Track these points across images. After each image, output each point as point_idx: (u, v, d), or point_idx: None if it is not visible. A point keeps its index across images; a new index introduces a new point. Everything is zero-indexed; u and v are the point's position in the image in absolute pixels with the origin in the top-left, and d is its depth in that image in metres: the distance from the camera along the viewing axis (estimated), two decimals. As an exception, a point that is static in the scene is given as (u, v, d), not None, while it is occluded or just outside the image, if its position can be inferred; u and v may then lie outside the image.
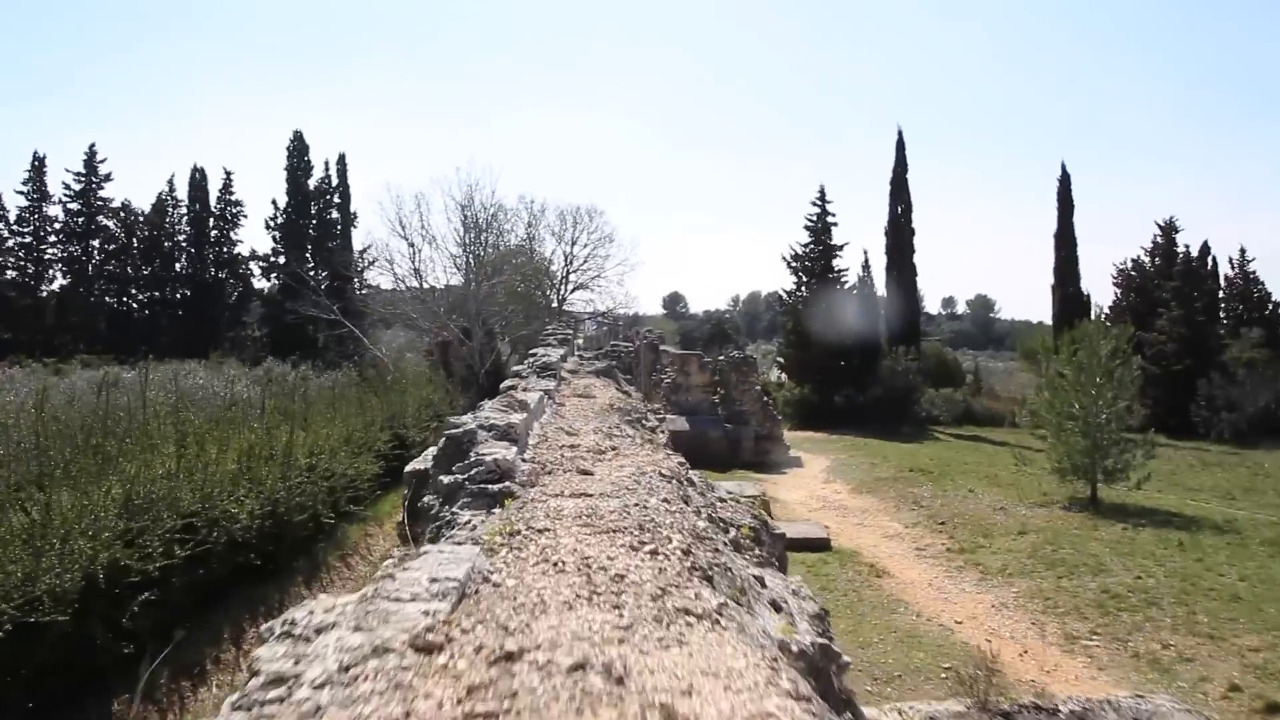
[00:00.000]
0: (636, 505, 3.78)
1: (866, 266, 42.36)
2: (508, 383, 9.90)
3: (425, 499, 4.26)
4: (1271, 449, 33.26)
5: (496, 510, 3.74)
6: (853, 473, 25.71)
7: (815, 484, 24.40)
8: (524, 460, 4.40)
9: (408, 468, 4.16)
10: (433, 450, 4.75)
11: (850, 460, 28.52)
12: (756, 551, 4.72)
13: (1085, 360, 19.83)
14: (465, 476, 4.01)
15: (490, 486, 3.91)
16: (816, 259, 41.72)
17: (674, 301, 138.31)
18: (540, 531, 3.19)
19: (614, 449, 5.18)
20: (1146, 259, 46.60)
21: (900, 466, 26.17)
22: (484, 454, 4.11)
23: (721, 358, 29.96)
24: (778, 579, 4.27)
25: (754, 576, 3.79)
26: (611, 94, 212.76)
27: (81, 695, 7.78)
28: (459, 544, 3.01)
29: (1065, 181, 41.00)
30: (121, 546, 8.47)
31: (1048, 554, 15.14)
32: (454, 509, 3.81)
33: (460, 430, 4.65)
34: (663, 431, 10.13)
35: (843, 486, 23.62)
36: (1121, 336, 19.74)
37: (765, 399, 29.15)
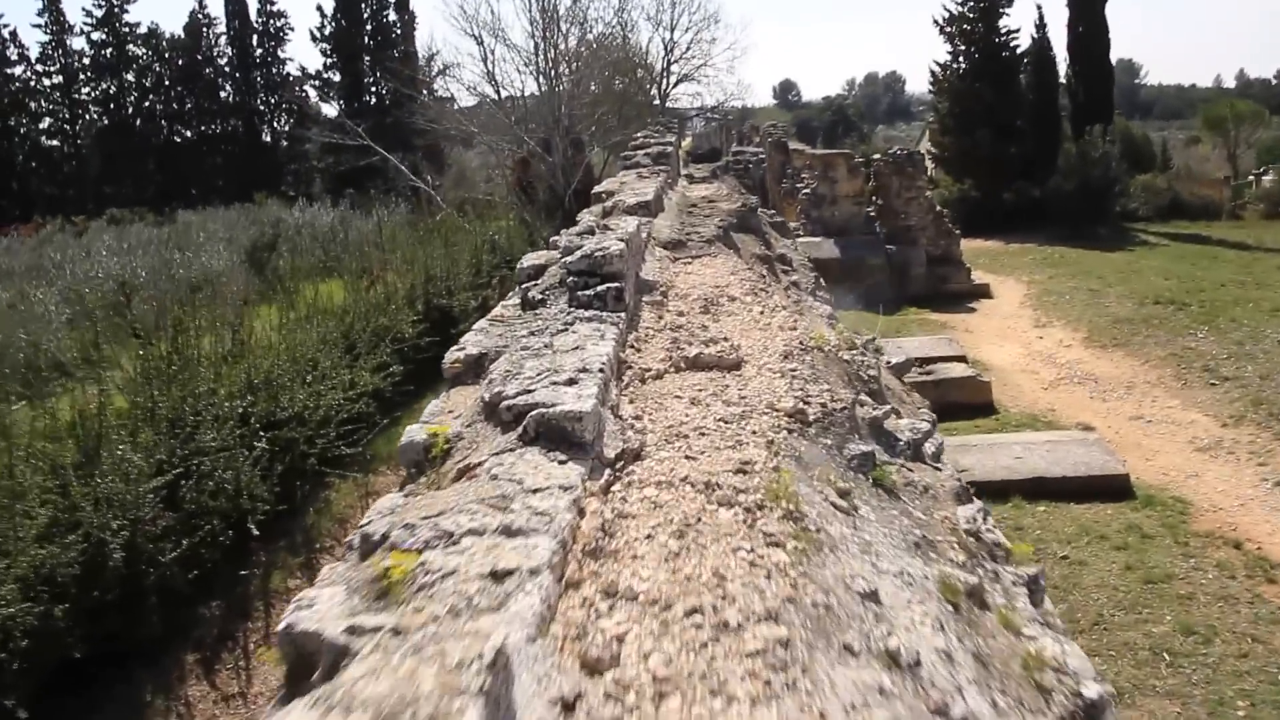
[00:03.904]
0: None
1: (1041, 25, 33.28)
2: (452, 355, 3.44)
3: None
4: None
5: None
6: (1070, 307, 18.64)
7: (1023, 328, 17.49)
8: None
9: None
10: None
11: (1053, 285, 21.28)
12: None
13: None
14: None
15: None
16: (976, 19, 32.90)
17: (785, 90, 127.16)
18: None
19: None
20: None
21: (1136, 294, 18.90)
22: None
23: (878, 157, 22.61)
24: None
25: None
26: None
27: None
28: None
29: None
30: None
31: None
32: None
33: None
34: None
35: (1067, 333, 16.65)
36: None
37: (938, 209, 21.92)
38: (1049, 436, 10.50)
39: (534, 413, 2.36)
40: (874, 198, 21.83)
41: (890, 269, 20.59)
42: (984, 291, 20.93)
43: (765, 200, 15.95)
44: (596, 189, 7.32)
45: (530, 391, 2.50)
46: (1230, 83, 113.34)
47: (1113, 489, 9.26)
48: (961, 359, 14.19)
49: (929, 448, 3.44)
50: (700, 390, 2.97)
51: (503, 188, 32.42)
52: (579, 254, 3.69)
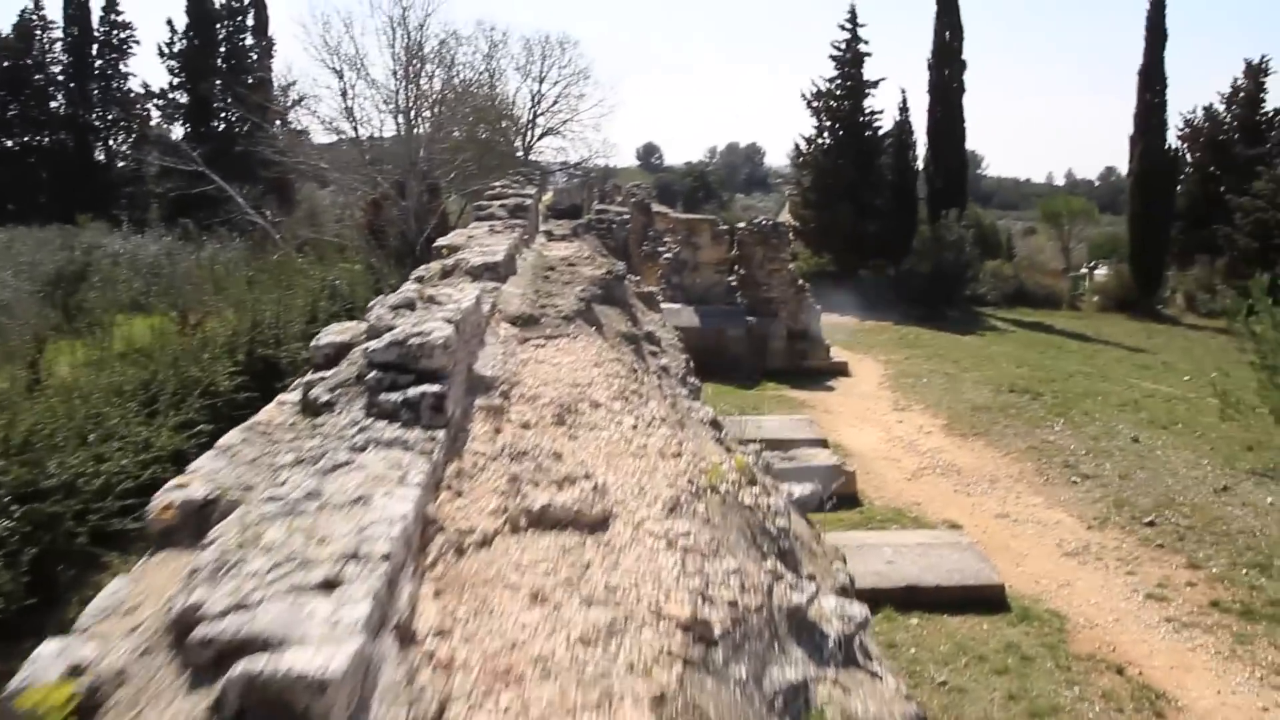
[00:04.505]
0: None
1: (904, 109, 34.10)
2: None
3: None
4: None
5: None
6: (929, 391, 18.43)
7: (883, 411, 17.09)
8: None
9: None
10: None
11: (910, 366, 21.22)
12: None
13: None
14: None
15: None
16: (844, 97, 33.47)
17: (649, 152, 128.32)
18: None
19: None
20: (1222, 107, 38.55)
21: (991, 381, 18.92)
22: None
23: (743, 225, 22.17)
24: None
25: None
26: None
27: None
28: None
29: (1159, 6, 32.40)
30: None
31: None
32: None
33: None
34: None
35: (927, 418, 16.31)
36: None
37: (800, 282, 21.60)
38: (920, 538, 9.86)
39: (241, 668, 1.28)
40: (736, 266, 21.39)
41: (750, 341, 20.10)
42: (842, 369, 20.63)
43: (629, 264, 15.16)
44: (439, 242, 6.24)
45: (248, 607, 1.43)
46: (1061, 180, 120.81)
47: (988, 600, 8.64)
48: (823, 443, 13.60)
49: (860, 638, 2.50)
50: (549, 573, 1.95)
51: (354, 230, 30.75)
52: (388, 339, 2.61)
